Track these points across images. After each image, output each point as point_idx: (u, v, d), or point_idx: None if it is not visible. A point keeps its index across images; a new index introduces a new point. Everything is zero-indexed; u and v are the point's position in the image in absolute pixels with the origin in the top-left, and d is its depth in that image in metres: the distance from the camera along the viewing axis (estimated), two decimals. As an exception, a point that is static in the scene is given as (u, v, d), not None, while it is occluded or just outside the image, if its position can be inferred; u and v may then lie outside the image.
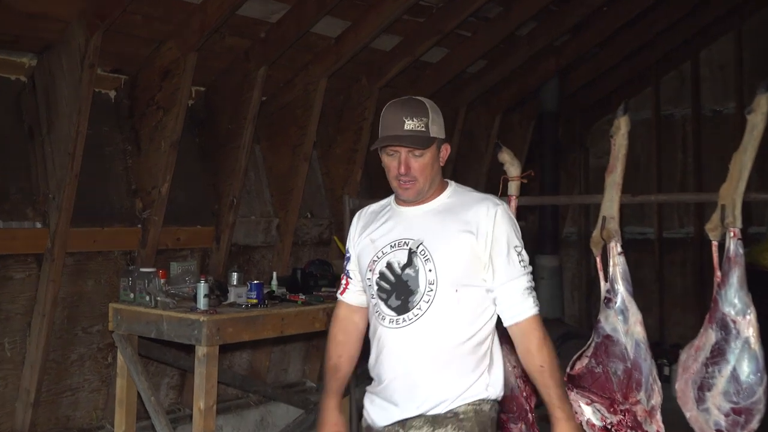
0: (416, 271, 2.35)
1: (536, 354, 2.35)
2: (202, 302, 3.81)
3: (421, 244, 2.36)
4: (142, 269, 4.06)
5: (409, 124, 2.34)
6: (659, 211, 7.51)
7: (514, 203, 3.49)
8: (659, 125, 7.54)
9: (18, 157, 3.94)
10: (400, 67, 5.43)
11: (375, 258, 2.43)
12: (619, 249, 3.16)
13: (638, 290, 3.28)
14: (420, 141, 2.35)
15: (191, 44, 4.22)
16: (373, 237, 2.47)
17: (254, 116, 4.74)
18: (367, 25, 4.88)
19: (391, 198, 2.54)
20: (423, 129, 2.35)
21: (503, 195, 3.52)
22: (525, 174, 3.51)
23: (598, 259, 3.22)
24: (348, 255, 2.58)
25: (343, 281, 2.61)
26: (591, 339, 3.21)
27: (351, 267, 2.58)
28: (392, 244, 2.42)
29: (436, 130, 2.38)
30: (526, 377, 3.44)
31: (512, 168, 3.52)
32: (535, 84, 6.70)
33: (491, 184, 6.60)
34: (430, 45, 5.37)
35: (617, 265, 3.15)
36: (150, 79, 4.35)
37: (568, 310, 7.79)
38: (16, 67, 3.91)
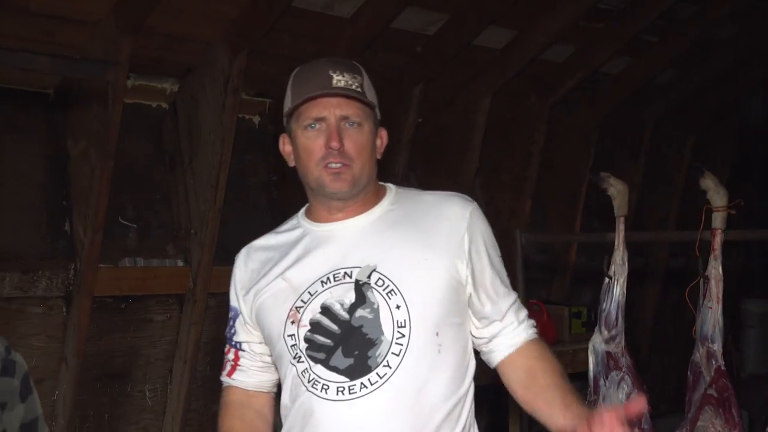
0: (375, 311, 1.78)
1: (550, 360, 1.91)
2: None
3: (375, 270, 1.81)
4: (288, 312, 4.15)
5: (340, 80, 1.83)
6: None
7: (719, 237, 3.33)
8: None
9: (159, 189, 4.16)
10: (575, 81, 5.35)
11: (297, 304, 1.83)
12: None
13: None
14: (359, 96, 1.84)
15: (340, 62, 4.32)
16: (286, 273, 1.87)
17: (409, 140, 4.79)
18: (537, 33, 4.84)
19: (298, 218, 1.98)
20: (357, 88, 1.84)
21: (705, 229, 3.38)
22: (733, 203, 3.35)
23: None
24: (232, 318, 1.98)
25: (230, 356, 2.01)
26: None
27: (241, 335, 1.98)
28: (324, 279, 1.83)
29: (372, 98, 1.89)
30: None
31: (717, 196, 3.37)
32: (738, 95, 6.42)
33: (684, 214, 6.36)
34: (610, 53, 5.27)
35: None
36: (296, 103, 4.48)
37: (783, 365, 7.35)
38: (156, 94, 4.14)
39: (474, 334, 1.93)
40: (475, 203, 1.94)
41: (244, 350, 1.99)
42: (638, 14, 5.03)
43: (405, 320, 1.78)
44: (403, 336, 1.78)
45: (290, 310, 1.83)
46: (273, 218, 4.55)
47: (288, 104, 1.91)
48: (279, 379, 1.99)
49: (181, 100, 4.15)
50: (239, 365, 2.00)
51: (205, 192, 4.03)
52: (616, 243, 3.59)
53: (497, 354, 1.93)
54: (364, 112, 1.86)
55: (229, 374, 2.02)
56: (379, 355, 1.77)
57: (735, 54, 5.87)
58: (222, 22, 3.90)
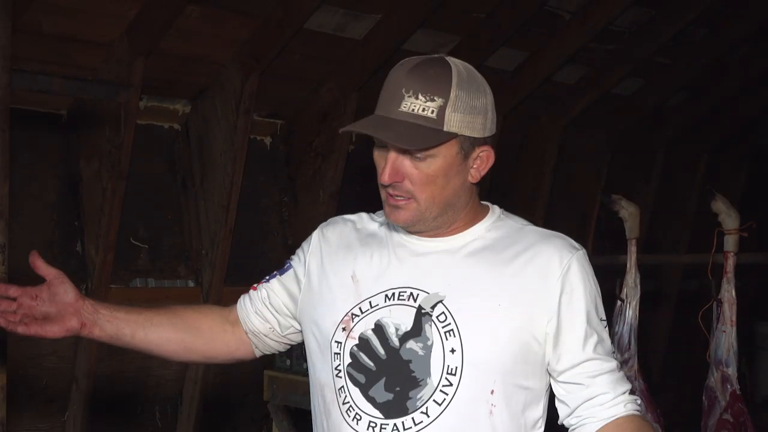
0: (427, 348, 1.59)
1: None
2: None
3: (441, 302, 1.61)
4: (299, 333, 4.14)
5: (409, 104, 1.57)
6: None
7: (732, 260, 3.33)
8: None
9: (171, 210, 4.16)
10: (587, 102, 5.34)
11: (354, 311, 1.65)
12: None
13: None
14: (412, 137, 1.56)
15: (352, 84, 4.33)
16: (357, 272, 1.69)
17: (421, 162, 4.79)
18: (548, 55, 4.84)
19: None
20: (430, 115, 1.56)
21: (717, 251, 3.37)
22: (745, 226, 3.35)
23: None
24: (281, 271, 1.82)
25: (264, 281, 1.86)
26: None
27: (273, 283, 1.81)
28: (389, 293, 1.64)
29: (460, 120, 1.58)
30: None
31: (729, 219, 3.37)
32: (750, 117, 6.39)
33: (697, 237, 6.32)
34: (622, 75, 5.26)
35: None
36: (308, 124, 4.49)
37: (797, 388, 7.26)
38: (169, 115, 4.15)
39: (558, 405, 1.67)
40: (582, 251, 1.66)
41: (263, 290, 1.83)
42: (650, 36, 5.02)
43: (457, 367, 1.57)
44: (451, 385, 1.57)
45: (346, 315, 1.65)
46: (284, 239, 4.55)
47: None
48: (264, 336, 1.84)
49: (193, 121, 4.16)
50: (248, 295, 1.85)
51: (217, 213, 4.03)
52: (628, 265, 3.58)
53: (584, 429, 1.64)
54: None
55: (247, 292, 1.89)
56: (420, 398, 1.58)
57: (747, 75, 5.86)
58: (234, 44, 3.91)
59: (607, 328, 1.68)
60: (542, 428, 1.67)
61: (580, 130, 5.61)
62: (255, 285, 1.87)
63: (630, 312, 3.58)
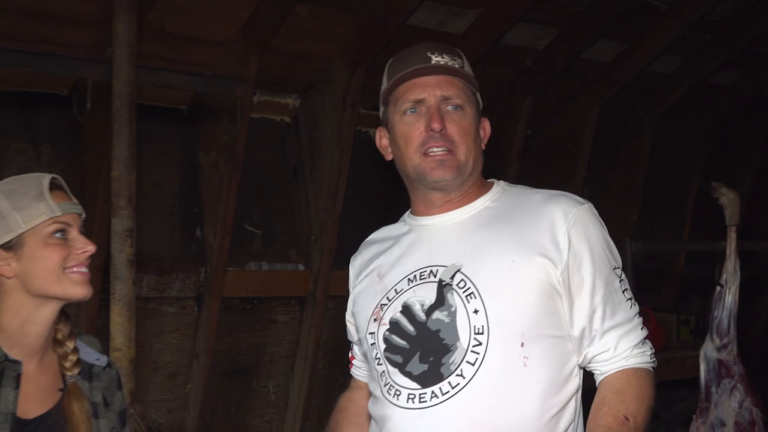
0: (452, 314, 1.60)
1: (626, 398, 1.58)
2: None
3: (459, 271, 1.62)
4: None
5: (440, 60, 1.69)
6: None
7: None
8: None
9: (283, 198, 4.28)
10: (683, 92, 5.24)
11: (383, 301, 1.68)
12: None
13: None
14: (461, 74, 1.68)
15: (452, 77, 4.36)
16: (381, 269, 1.72)
17: (519, 152, 4.79)
18: (646, 46, 4.77)
19: (405, 214, 1.82)
20: (461, 69, 1.70)
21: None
22: None
23: None
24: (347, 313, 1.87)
25: (350, 354, 1.90)
26: None
27: (351, 330, 1.84)
28: (411, 276, 1.67)
29: (475, 82, 1.74)
30: None
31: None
32: None
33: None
34: (719, 65, 5.14)
35: None
36: (409, 116, 4.53)
37: None
38: (280, 108, 4.26)
39: (577, 352, 1.64)
40: (588, 204, 1.66)
41: (353, 345, 1.88)
42: (749, 25, 4.89)
43: (483, 326, 1.57)
44: (480, 344, 1.56)
45: (375, 307, 1.68)
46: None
47: (384, 89, 1.73)
48: None
49: (303, 114, 4.26)
50: (353, 362, 1.90)
51: (325, 200, 4.12)
52: (727, 252, 3.51)
53: (597, 378, 1.64)
54: (467, 94, 1.69)
55: (350, 368, 1.95)
56: (453, 362, 1.57)
57: None
58: (340, 41, 3.99)
59: (617, 274, 1.65)
60: (579, 377, 1.64)
61: (678, 119, 5.52)
62: (350, 353, 1.91)
63: (729, 298, 3.52)
